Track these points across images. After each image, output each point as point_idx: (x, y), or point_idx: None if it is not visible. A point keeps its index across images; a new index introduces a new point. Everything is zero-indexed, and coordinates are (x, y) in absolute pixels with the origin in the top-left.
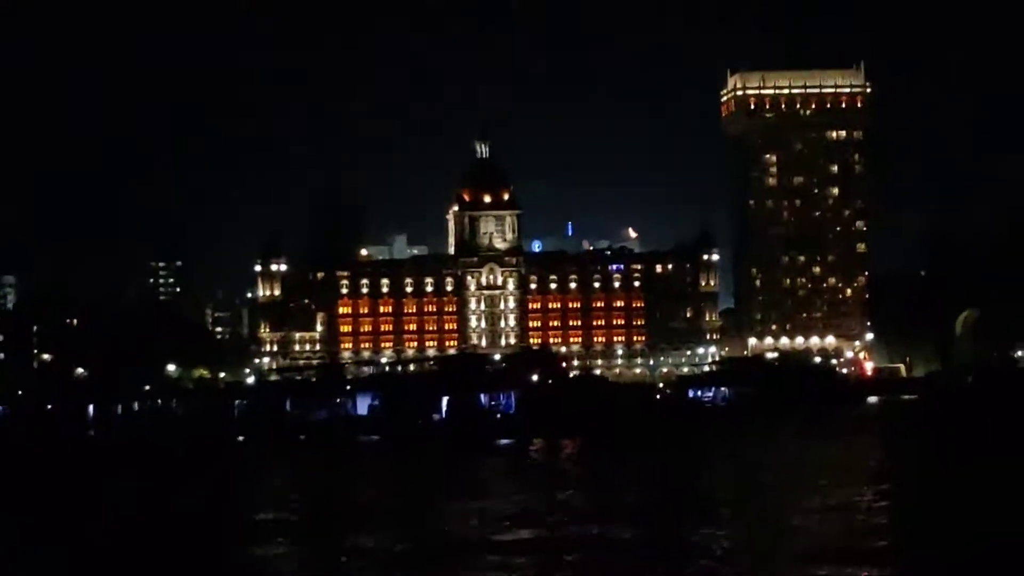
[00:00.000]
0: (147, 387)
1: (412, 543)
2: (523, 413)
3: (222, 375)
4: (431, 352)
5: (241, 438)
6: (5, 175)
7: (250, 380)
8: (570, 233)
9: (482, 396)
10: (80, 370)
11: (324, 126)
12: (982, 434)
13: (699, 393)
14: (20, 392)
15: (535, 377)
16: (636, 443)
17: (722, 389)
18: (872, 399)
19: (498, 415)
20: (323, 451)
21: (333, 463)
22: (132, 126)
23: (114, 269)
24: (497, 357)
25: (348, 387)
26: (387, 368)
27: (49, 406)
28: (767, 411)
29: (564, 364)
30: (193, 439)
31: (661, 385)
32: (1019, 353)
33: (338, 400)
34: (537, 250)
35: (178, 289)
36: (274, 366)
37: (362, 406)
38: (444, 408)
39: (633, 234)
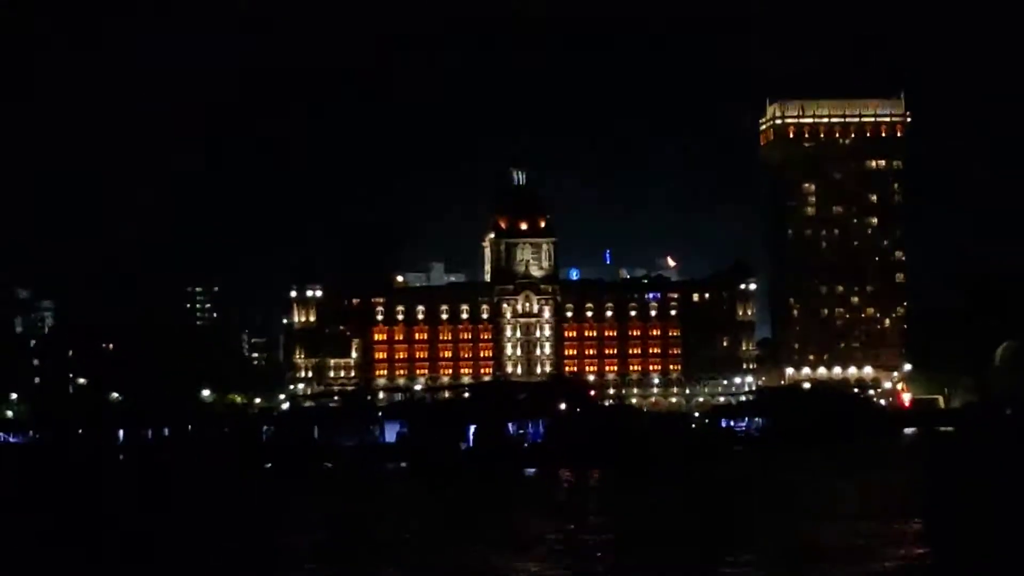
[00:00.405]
0: (177, 412)
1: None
2: (551, 442)
3: (257, 400)
4: (466, 380)
5: (268, 464)
6: (43, 200)
7: (285, 406)
8: (608, 261)
9: (510, 425)
10: (115, 395)
11: (362, 149)
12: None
13: (732, 423)
14: (54, 416)
15: (563, 406)
16: (665, 473)
17: (756, 419)
18: (909, 430)
19: (525, 444)
20: (350, 478)
21: (359, 491)
22: (167, 152)
23: (151, 293)
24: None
25: (377, 415)
26: (416, 395)
27: (81, 430)
28: (802, 441)
29: (593, 393)
30: (221, 465)
31: (697, 415)
32: None
33: (367, 428)
34: (575, 278)
35: (215, 314)
36: (308, 392)
37: (390, 434)
38: (471, 436)
39: (672, 263)
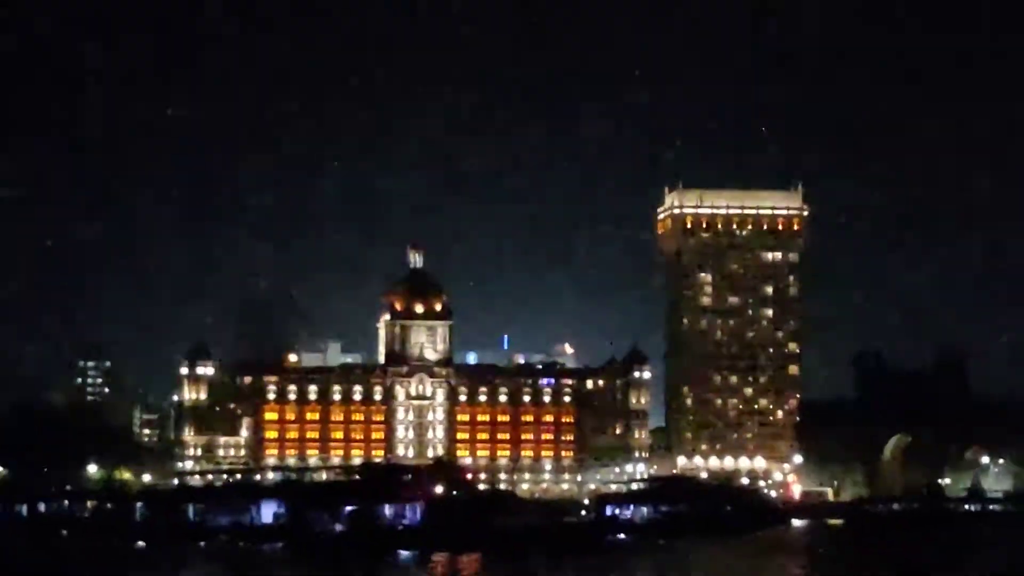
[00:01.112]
0: (53, 489)
1: None
2: (428, 525)
3: (147, 478)
4: (357, 461)
5: (140, 544)
6: None
7: (174, 483)
8: (505, 347)
9: (387, 507)
10: (1, 469)
11: (262, 221)
12: (904, 561)
13: (617, 511)
14: None
15: (440, 489)
16: (541, 559)
17: (642, 508)
18: (798, 523)
19: (399, 527)
20: (221, 559)
21: (224, 571)
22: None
23: (41, 369)
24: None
25: (253, 494)
26: (295, 476)
27: None
28: (687, 531)
29: (484, 477)
30: (93, 542)
31: (586, 501)
32: (947, 481)
33: (243, 507)
34: (472, 362)
35: (106, 390)
36: (197, 470)
37: (267, 514)
38: (345, 518)
39: (569, 350)
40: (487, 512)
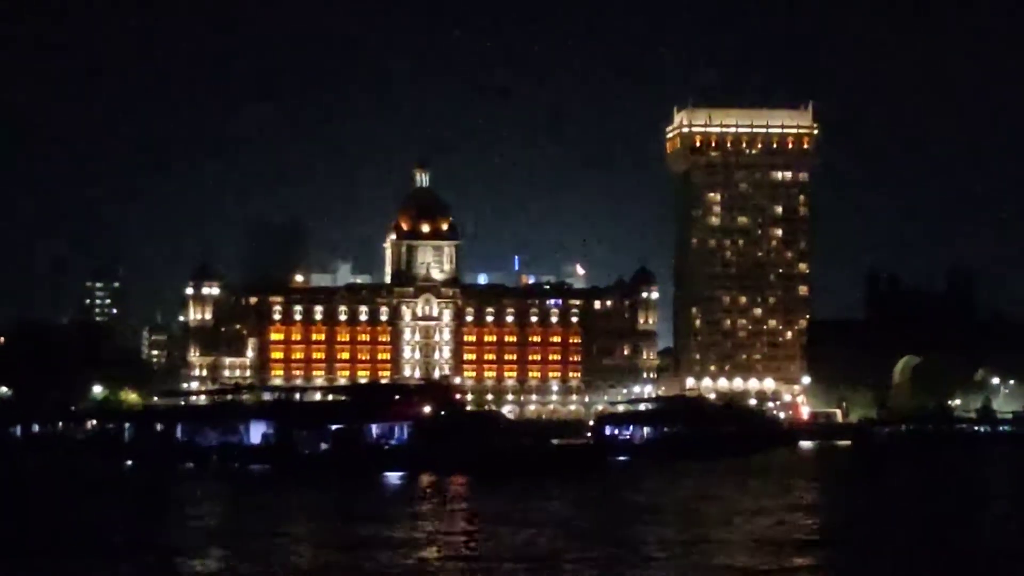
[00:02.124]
0: (61, 410)
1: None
2: (414, 445)
3: (155, 399)
4: (363, 381)
5: (129, 463)
6: None
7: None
8: (517, 267)
9: (374, 427)
10: (3, 389)
11: (269, 148)
12: (910, 484)
13: (617, 432)
14: None
15: (428, 409)
16: (527, 481)
17: (642, 429)
18: (806, 444)
19: (386, 447)
20: (206, 479)
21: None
22: (70, 149)
23: (50, 289)
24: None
25: (243, 415)
26: (287, 395)
27: None
28: (688, 452)
29: (459, 397)
30: (83, 463)
31: (592, 423)
32: (956, 402)
33: (231, 428)
34: (483, 282)
35: (115, 311)
36: (203, 390)
37: (256, 434)
38: (330, 438)
39: (581, 270)
40: (475, 433)
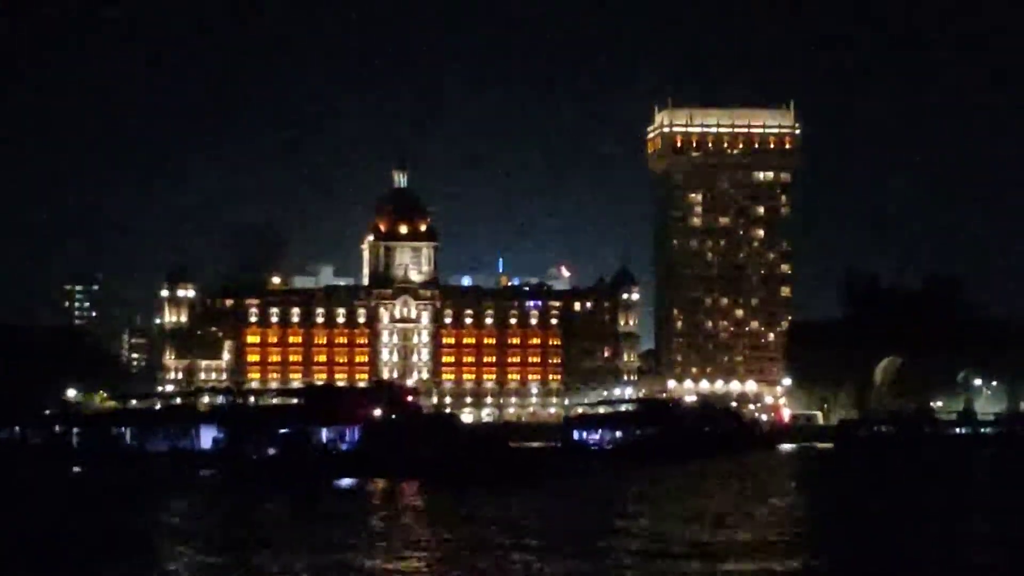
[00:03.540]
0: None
1: None
2: (364, 449)
3: (134, 402)
4: (341, 384)
5: (76, 468)
6: None
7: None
8: (500, 269)
9: (324, 431)
10: None
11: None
12: (889, 484)
13: (585, 435)
14: None
15: (377, 412)
16: (481, 485)
17: (614, 432)
18: (786, 447)
19: (334, 451)
20: (154, 484)
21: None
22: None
23: (29, 292)
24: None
25: (193, 419)
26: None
27: None
28: (660, 456)
29: (412, 398)
30: (38, 466)
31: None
32: (938, 403)
33: (182, 432)
34: (467, 284)
35: (94, 314)
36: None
37: (207, 439)
38: (279, 442)
39: (566, 272)
40: (429, 436)
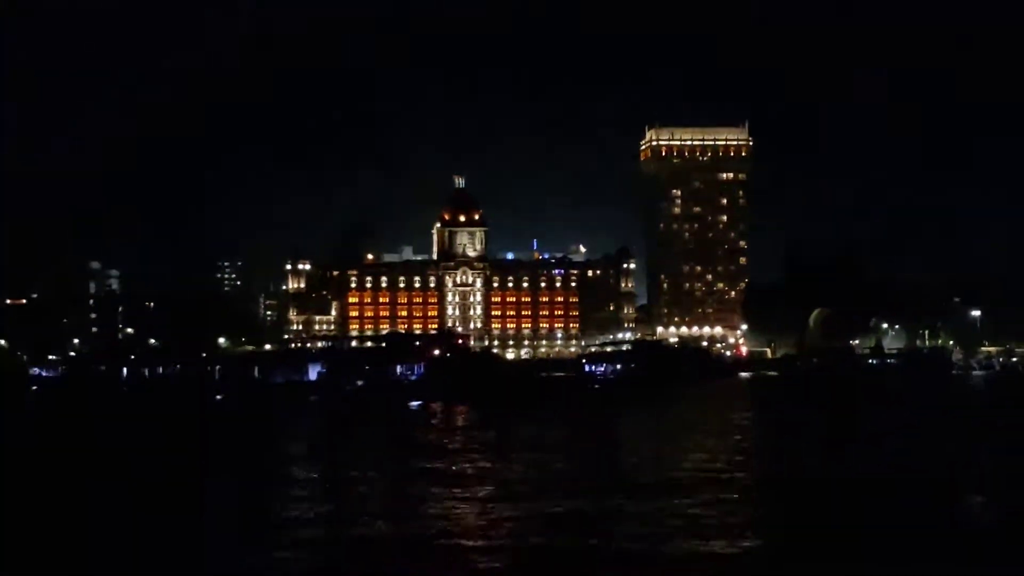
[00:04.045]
0: (191, 356)
1: None
2: (427, 380)
3: (268, 347)
4: (417, 332)
5: (219, 397)
6: (114, 192)
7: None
8: (534, 247)
9: (398, 367)
10: (152, 341)
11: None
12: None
13: (592, 368)
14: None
15: (437, 352)
16: (517, 406)
17: (616, 365)
18: (744, 374)
19: (405, 382)
20: (276, 407)
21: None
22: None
23: (191, 265)
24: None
25: (303, 358)
26: (339, 344)
27: (103, 367)
28: (650, 382)
29: (461, 342)
30: (187, 397)
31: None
32: (856, 342)
33: (294, 368)
34: (510, 258)
35: (239, 282)
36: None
37: (313, 373)
38: (365, 375)
39: (582, 248)
40: (475, 369)
